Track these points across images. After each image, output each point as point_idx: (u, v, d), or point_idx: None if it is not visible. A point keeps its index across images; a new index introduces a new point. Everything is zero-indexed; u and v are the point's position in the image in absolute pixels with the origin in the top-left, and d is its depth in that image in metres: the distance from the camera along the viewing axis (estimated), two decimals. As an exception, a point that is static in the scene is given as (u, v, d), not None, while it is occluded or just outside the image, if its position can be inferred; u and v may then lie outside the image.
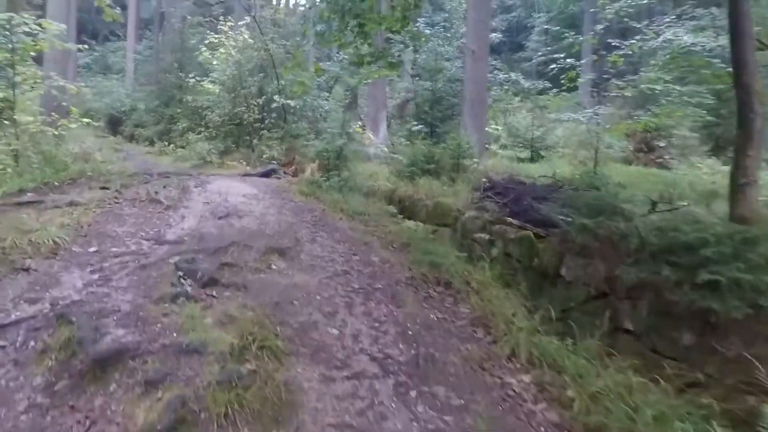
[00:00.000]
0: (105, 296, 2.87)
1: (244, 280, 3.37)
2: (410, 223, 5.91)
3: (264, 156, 10.44)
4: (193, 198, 5.58)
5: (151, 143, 14.33)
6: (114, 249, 3.66)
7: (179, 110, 14.23)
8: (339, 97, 15.04)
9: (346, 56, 8.89)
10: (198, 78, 13.28)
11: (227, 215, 4.95)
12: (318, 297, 3.43)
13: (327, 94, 14.17)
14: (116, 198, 5.06)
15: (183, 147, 12.63)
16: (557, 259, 4.22)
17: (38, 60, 10.74)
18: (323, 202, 6.62)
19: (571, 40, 10.25)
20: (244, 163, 10.44)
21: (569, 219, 4.32)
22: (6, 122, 6.54)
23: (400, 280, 4.12)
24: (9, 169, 5.70)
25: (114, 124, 18.47)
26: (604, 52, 9.60)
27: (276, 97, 11.12)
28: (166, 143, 13.47)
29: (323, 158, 8.14)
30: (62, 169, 6.67)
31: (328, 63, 18.50)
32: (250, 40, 12.35)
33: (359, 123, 13.13)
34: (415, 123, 12.79)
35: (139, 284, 3.08)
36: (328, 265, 4.15)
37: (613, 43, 8.75)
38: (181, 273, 3.22)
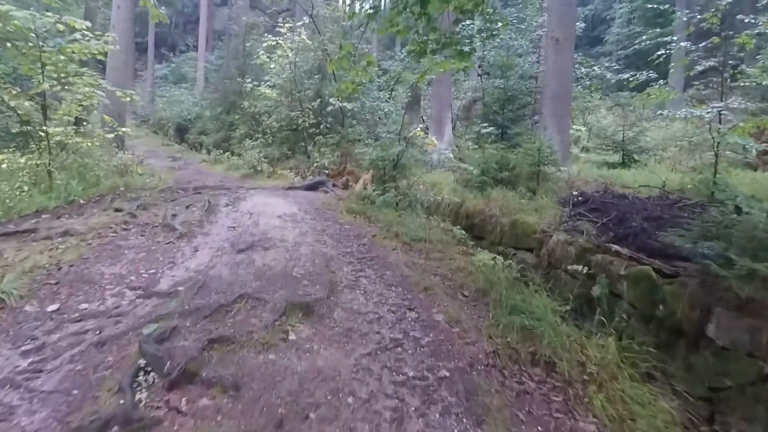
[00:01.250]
0: (4, 415, 1.84)
1: (240, 370, 2.21)
2: (484, 256, 4.52)
3: (315, 164, 9.50)
4: (218, 221, 4.61)
5: (208, 151, 14.10)
6: (82, 306, 2.69)
7: (238, 116, 13.85)
8: (401, 99, 13.87)
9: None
10: (256, 83, 12.76)
11: (250, 246, 3.89)
12: (350, 399, 2.19)
13: (388, 95, 13.01)
14: (125, 223, 4.20)
15: (239, 155, 12.13)
16: (700, 313, 3.02)
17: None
18: (374, 224, 5.43)
19: (684, 19, 8.27)
20: (293, 173, 9.54)
21: (710, 252, 3.18)
22: (41, 134, 5.99)
23: (477, 357, 2.77)
24: (26, 187, 5.07)
25: (181, 132, 18.73)
26: (732, 32, 7.59)
27: (332, 100, 10.17)
28: (221, 151, 13.10)
29: (378, 168, 6.97)
30: (94, 184, 6.08)
31: (389, 62, 17.49)
32: (308, 41, 11.55)
33: (421, 126, 11.85)
34: (485, 125, 11.26)
35: (73, 385, 2.03)
36: (372, 330, 2.90)
37: (746, 20, 6.76)
38: (143, 362, 2.14)
